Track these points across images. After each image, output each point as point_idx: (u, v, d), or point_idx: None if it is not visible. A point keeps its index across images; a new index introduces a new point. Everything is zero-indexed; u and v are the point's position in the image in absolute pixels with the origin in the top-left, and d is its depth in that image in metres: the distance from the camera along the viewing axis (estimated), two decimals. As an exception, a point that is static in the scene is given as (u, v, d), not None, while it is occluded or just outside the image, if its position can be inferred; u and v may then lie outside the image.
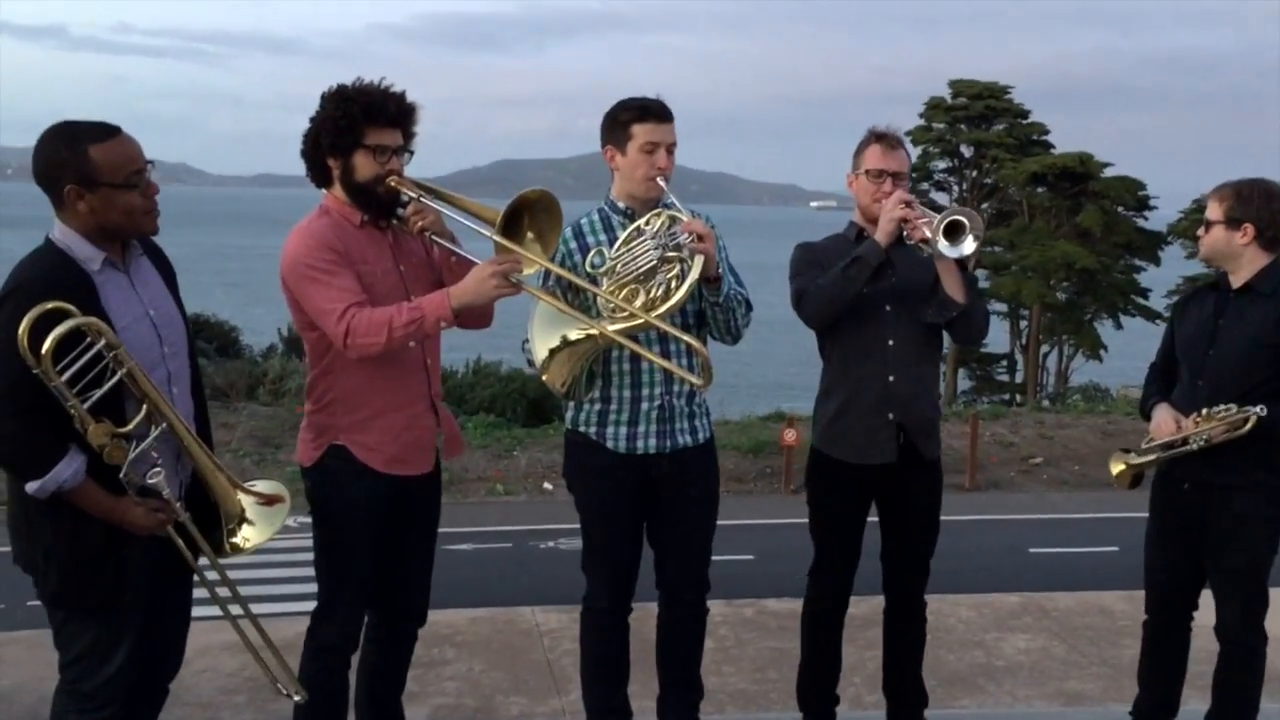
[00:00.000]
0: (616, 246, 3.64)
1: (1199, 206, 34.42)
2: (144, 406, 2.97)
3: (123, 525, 2.99)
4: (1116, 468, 4.17)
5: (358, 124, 3.45)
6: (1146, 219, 34.64)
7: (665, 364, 3.58)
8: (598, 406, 3.81)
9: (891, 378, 4.01)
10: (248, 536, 3.15)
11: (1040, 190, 33.71)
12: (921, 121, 35.58)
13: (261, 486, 3.21)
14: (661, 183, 3.72)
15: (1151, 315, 34.69)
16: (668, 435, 3.80)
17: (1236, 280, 3.96)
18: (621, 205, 3.82)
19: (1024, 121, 35.35)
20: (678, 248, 3.53)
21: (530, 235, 3.42)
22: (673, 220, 3.61)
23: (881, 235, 3.92)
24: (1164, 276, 35.07)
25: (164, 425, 2.99)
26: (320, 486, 3.59)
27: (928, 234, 3.78)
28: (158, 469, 2.98)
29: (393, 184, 3.48)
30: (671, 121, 3.75)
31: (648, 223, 3.63)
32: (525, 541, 11.02)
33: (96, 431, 2.88)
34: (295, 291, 3.48)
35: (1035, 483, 13.99)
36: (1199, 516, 3.98)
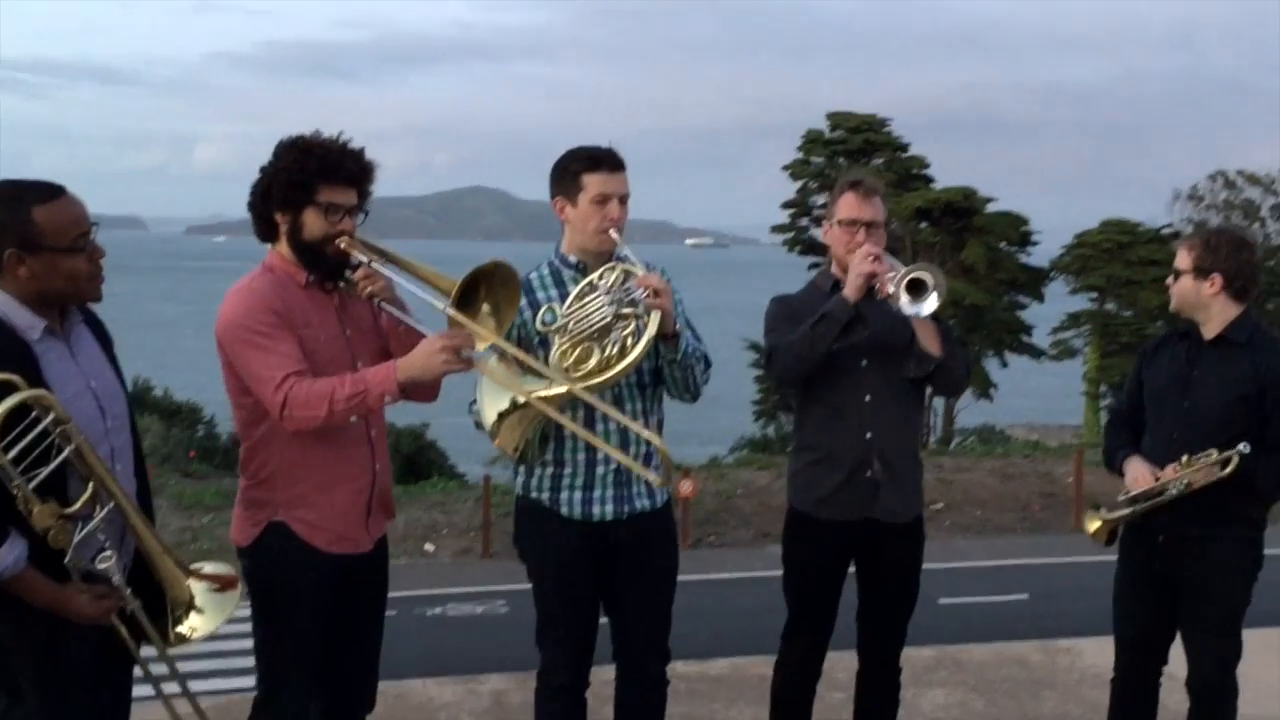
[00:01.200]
0: (569, 302, 3.66)
1: (1080, 241, 35.92)
2: (89, 485, 2.92)
3: (66, 614, 2.93)
4: (1093, 525, 4.26)
5: (311, 179, 3.45)
6: (1029, 254, 35.68)
7: (621, 458, 3.59)
8: (550, 470, 3.82)
9: (869, 434, 4.10)
10: (195, 626, 3.09)
11: (924, 226, 34.60)
12: (799, 155, 36.26)
13: (211, 569, 3.16)
14: (615, 235, 3.75)
15: (1036, 353, 35.77)
16: (625, 500, 3.83)
17: (1208, 330, 4.08)
18: (572, 259, 3.85)
19: (903, 155, 36.24)
20: (633, 303, 3.57)
21: (486, 308, 3.41)
22: (627, 274, 3.65)
23: (849, 290, 4.00)
24: (1047, 313, 36.25)
25: (111, 505, 2.95)
26: (260, 568, 3.53)
27: (890, 289, 3.89)
28: (107, 553, 2.94)
29: (343, 245, 3.47)
30: (624, 171, 3.81)
31: (601, 277, 3.66)
32: (410, 609, 10.86)
33: (42, 513, 2.84)
34: (230, 355, 3.45)
35: (938, 529, 14.32)
36: (1174, 568, 4.10)
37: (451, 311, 3.30)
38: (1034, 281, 35.39)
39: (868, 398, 4.12)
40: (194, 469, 19.58)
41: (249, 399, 3.49)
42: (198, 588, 3.11)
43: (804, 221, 36.32)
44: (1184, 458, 3.98)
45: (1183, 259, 4.09)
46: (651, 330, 3.56)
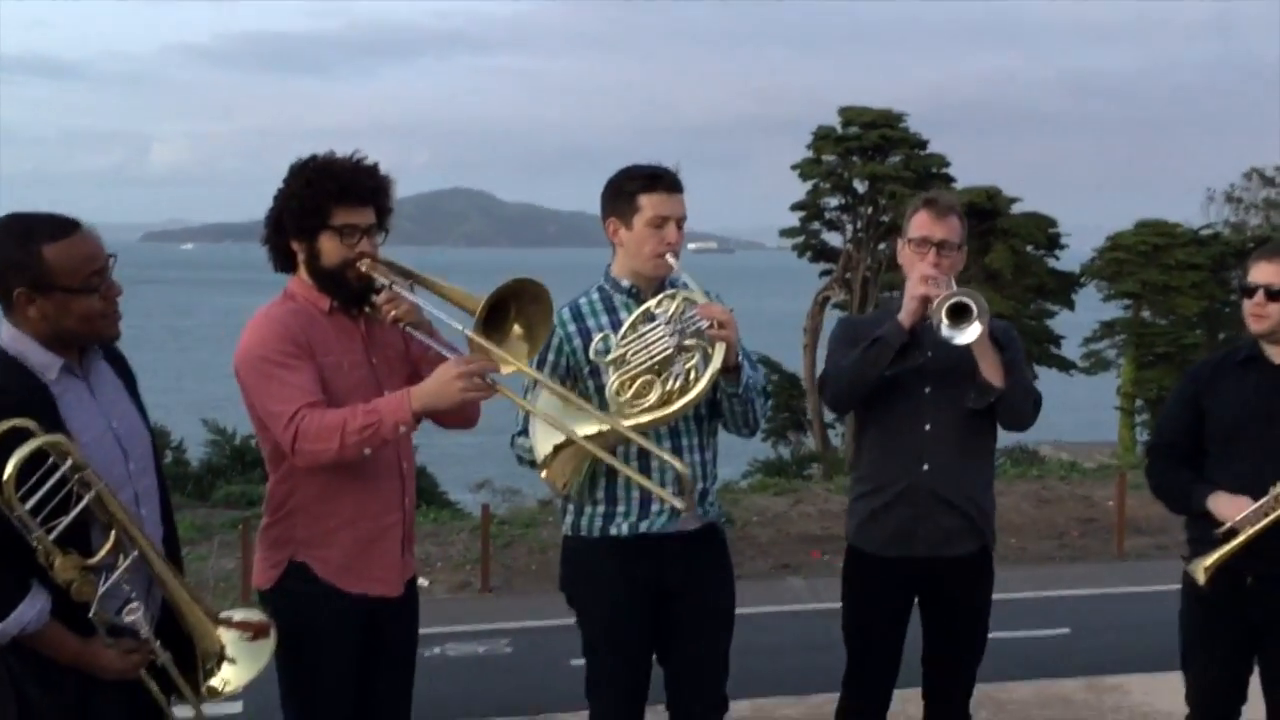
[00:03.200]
0: (623, 332, 3.70)
1: (1113, 244, 35.97)
2: (112, 533, 2.97)
3: (93, 670, 2.99)
4: (1202, 573, 4.13)
5: (325, 203, 3.51)
6: (1058, 258, 35.68)
7: (645, 483, 3.61)
8: (602, 508, 3.88)
9: (926, 465, 4.16)
10: (227, 678, 3.12)
11: (944, 228, 34.61)
12: (810, 153, 36.27)
13: (242, 616, 3.20)
14: (671, 260, 3.81)
15: (1066, 365, 35.77)
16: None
17: None
18: (625, 284, 3.91)
19: (922, 153, 36.23)
20: (697, 334, 3.61)
21: (518, 329, 3.46)
22: (688, 303, 3.68)
23: (904, 314, 4.06)
24: (1078, 321, 36.24)
25: (135, 554, 3.00)
26: (282, 613, 3.54)
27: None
28: (134, 604, 2.98)
29: (364, 268, 3.54)
30: (682, 192, 3.87)
31: (660, 305, 3.71)
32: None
33: (64, 565, 2.88)
34: (247, 388, 3.51)
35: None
36: (1264, 610, 4.13)
37: (471, 334, 3.34)
38: (1064, 288, 35.39)
39: (928, 426, 4.17)
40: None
41: (271, 433, 3.54)
42: (228, 637, 3.14)
43: (815, 225, 36.35)
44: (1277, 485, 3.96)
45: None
46: (716, 363, 3.61)
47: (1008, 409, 4.16)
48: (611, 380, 3.64)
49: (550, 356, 3.87)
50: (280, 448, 3.52)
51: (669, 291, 3.79)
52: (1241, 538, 4.02)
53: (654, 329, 3.65)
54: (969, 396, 4.14)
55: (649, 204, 3.82)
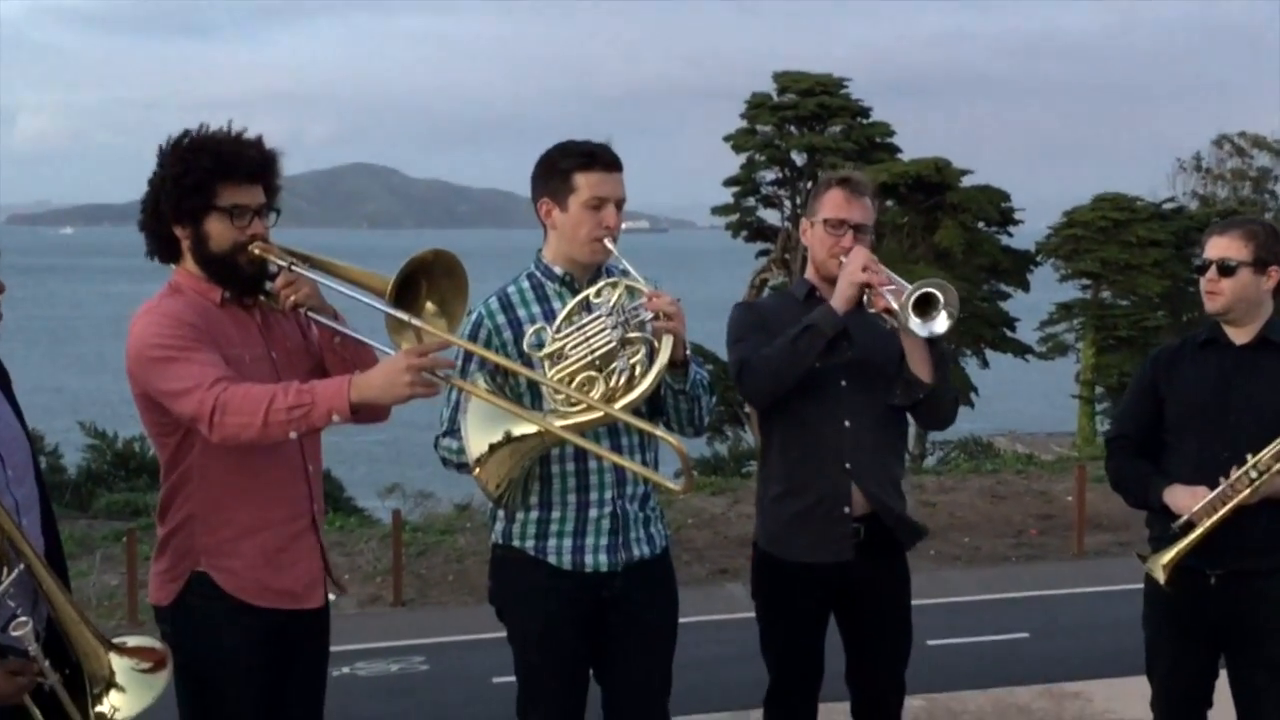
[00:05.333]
0: (558, 323, 3.67)
1: (1070, 220, 36.37)
2: (-7, 545, 2.95)
3: None
4: (1160, 570, 4.19)
5: (208, 182, 3.49)
6: (1012, 235, 35.93)
7: (637, 469, 3.69)
8: (535, 514, 3.88)
9: (848, 464, 4.22)
10: (116, 706, 3.08)
11: (890, 204, 34.91)
12: (744, 123, 36.35)
13: (136, 643, 3.16)
14: (610, 244, 3.80)
15: (1021, 350, 36.10)
16: (621, 548, 3.90)
17: (1243, 334, 4.20)
18: (558, 271, 3.91)
19: (865, 121, 36.41)
20: (640, 326, 3.60)
21: (431, 306, 3.46)
22: (631, 292, 3.68)
23: (839, 301, 4.10)
24: (1034, 303, 36.57)
25: (21, 567, 2.99)
26: (183, 631, 3.57)
27: (893, 304, 3.99)
28: (23, 619, 2.96)
29: (257, 252, 3.53)
30: (621, 170, 3.86)
31: (599, 294, 3.69)
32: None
33: (-59, 580, 2.87)
34: (145, 380, 3.47)
35: (922, 560, 14.52)
36: (1228, 610, 4.22)
37: (391, 309, 3.33)
38: (1018, 267, 35.64)
39: (847, 423, 4.23)
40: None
41: (171, 437, 3.54)
42: (119, 664, 3.10)
43: (750, 201, 36.44)
44: (1251, 463, 4.02)
45: (1237, 249, 4.13)
46: (664, 357, 3.59)
47: (932, 407, 4.25)
48: (548, 375, 3.61)
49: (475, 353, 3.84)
50: (183, 450, 3.52)
51: (608, 280, 3.77)
52: (1200, 530, 4.10)
53: (594, 321, 3.61)
54: (892, 393, 4.20)
55: (586, 184, 3.81)
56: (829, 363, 4.17)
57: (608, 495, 3.88)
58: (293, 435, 3.38)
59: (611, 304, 3.64)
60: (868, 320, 4.20)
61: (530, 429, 3.55)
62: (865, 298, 4.10)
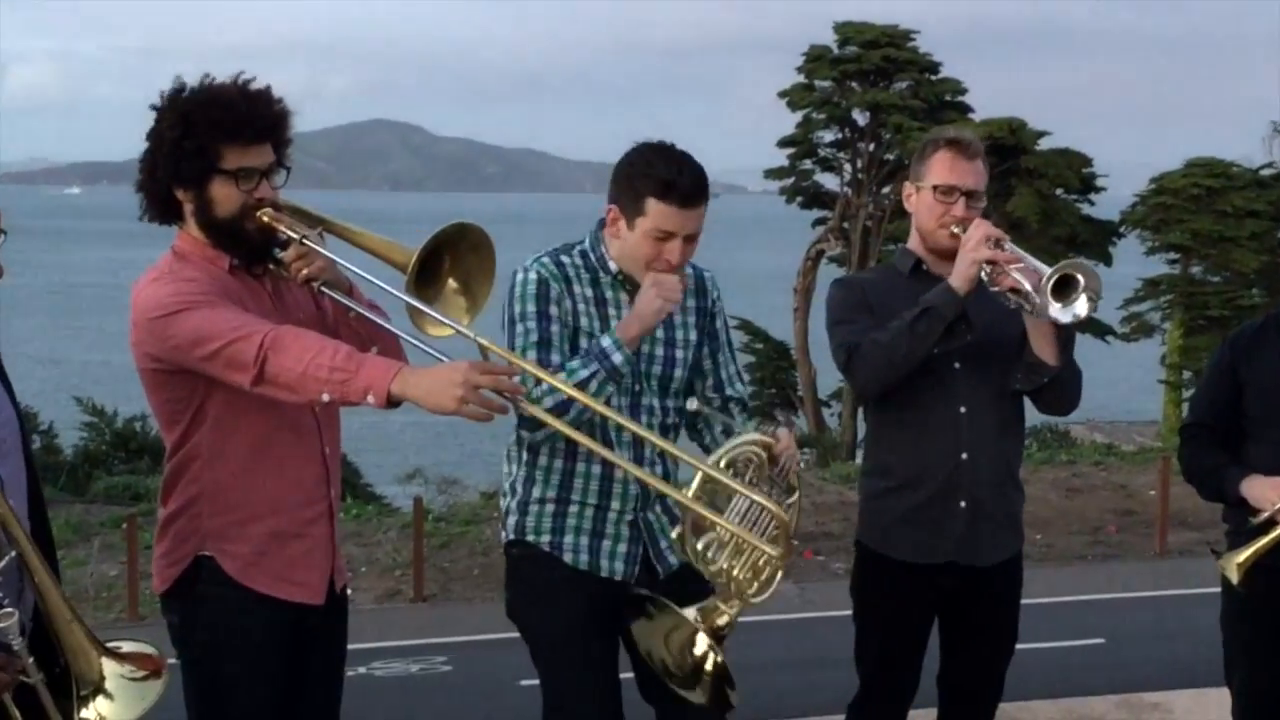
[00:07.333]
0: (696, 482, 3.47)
1: (1159, 187, 36.10)
2: (-20, 527, 2.95)
3: None
4: (1235, 570, 4.23)
5: (212, 143, 3.46)
6: (1093, 203, 35.79)
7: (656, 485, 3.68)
8: (550, 507, 3.92)
9: (965, 455, 4.19)
10: (103, 713, 3.07)
11: (959, 169, 34.67)
12: (801, 78, 36.23)
13: (132, 648, 3.13)
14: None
15: (1102, 331, 35.92)
16: (639, 560, 3.96)
17: None
18: (614, 268, 3.93)
19: (933, 78, 36.26)
20: (788, 489, 3.69)
21: (453, 284, 3.43)
22: (769, 453, 3.67)
23: (959, 280, 4.02)
24: (1117, 278, 36.35)
25: (13, 554, 3.00)
26: (188, 621, 3.59)
27: (1023, 284, 3.94)
28: (9, 610, 2.96)
29: (266, 219, 3.51)
30: (702, 205, 3.81)
31: (730, 467, 3.58)
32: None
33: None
34: (162, 336, 3.41)
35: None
36: None
37: (408, 298, 3.29)
38: (1100, 239, 35.49)
39: (963, 409, 4.20)
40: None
41: (183, 415, 3.52)
42: (110, 669, 3.08)
43: (806, 164, 36.37)
44: None
45: None
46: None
47: (1058, 391, 4.21)
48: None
49: (552, 309, 3.86)
50: (193, 428, 3.51)
51: (739, 444, 3.65)
52: (1274, 534, 4.12)
53: (742, 500, 3.53)
54: (1015, 377, 4.17)
55: (656, 213, 3.78)
56: (945, 347, 4.12)
57: (630, 505, 3.94)
58: (325, 399, 3.27)
59: (757, 475, 3.64)
60: (983, 297, 4.12)
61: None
62: (985, 275, 4.03)
